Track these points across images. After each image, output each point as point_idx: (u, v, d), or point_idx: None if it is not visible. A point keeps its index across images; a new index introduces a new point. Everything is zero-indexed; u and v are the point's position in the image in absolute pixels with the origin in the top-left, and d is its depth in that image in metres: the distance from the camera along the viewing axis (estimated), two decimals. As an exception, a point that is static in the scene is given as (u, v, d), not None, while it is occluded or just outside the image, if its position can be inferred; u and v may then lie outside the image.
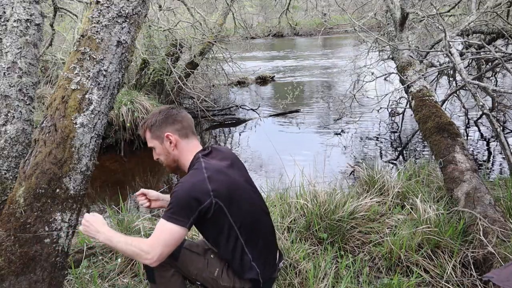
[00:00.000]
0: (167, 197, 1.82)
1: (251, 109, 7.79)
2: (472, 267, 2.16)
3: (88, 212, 1.84)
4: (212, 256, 1.62)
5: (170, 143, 1.59)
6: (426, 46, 5.31)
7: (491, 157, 4.91)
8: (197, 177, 1.46)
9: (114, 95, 1.80)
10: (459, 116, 6.29)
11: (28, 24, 1.86)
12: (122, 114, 5.71)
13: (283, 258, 1.78)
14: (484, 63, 5.41)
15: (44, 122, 1.66)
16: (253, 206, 1.59)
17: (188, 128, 1.63)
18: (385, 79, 7.00)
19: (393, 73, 5.34)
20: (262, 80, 11.18)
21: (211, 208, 1.44)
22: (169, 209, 1.43)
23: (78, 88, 1.67)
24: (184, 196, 1.42)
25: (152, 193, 1.85)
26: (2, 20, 1.82)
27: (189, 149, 1.61)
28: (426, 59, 4.96)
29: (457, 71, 3.50)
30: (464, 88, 4.25)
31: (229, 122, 7.30)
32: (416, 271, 2.15)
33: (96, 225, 1.53)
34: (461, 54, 4.77)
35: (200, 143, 1.72)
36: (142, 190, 1.84)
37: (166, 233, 1.42)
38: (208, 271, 1.59)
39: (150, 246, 1.42)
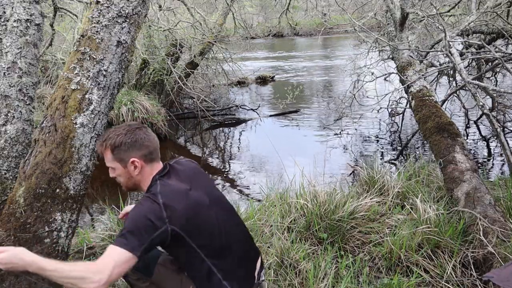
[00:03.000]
0: None
1: (251, 109, 7.79)
2: (472, 267, 2.16)
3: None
4: (186, 273, 1.57)
5: (135, 168, 1.50)
6: (426, 46, 5.31)
7: (491, 157, 4.91)
8: (150, 206, 1.39)
9: (114, 95, 1.80)
10: (459, 116, 6.29)
11: (28, 24, 1.86)
12: (122, 114, 5.71)
13: (264, 268, 1.70)
14: (484, 63, 5.40)
15: (44, 122, 1.67)
16: (219, 223, 1.51)
17: (154, 152, 1.54)
18: (385, 79, 7.00)
19: (393, 73, 5.34)
20: (262, 80, 11.18)
21: (167, 236, 1.38)
22: (121, 234, 1.37)
23: (78, 88, 1.67)
24: (137, 224, 1.37)
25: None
26: (2, 20, 1.82)
27: (151, 173, 1.53)
28: (426, 59, 4.96)
29: (457, 71, 3.50)
30: (464, 88, 4.25)
31: (229, 122, 7.30)
32: (416, 271, 2.15)
33: (15, 260, 1.28)
34: (461, 54, 4.77)
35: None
36: (126, 209, 1.80)
37: (116, 258, 1.34)
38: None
39: (98, 269, 1.31)
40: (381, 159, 5.05)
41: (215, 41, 6.98)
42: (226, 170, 5.25)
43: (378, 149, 5.47)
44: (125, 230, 1.37)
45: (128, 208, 1.81)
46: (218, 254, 1.48)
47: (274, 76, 11.47)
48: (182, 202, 1.43)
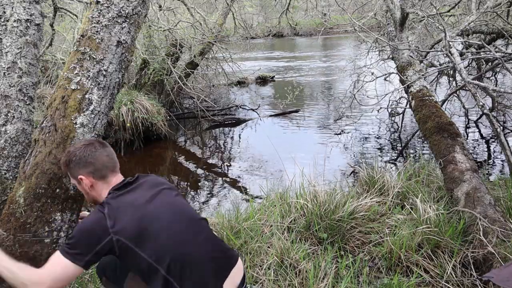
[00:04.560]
0: None
1: (251, 109, 7.79)
2: (472, 267, 2.16)
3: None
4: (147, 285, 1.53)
5: (85, 184, 1.53)
6: (426, 46, 5.31)
7: (491, 157, 4.91)
8: (96, 216, 1.42)
9: (114, 95, 1.80)
10: (459, 116, 6.29)
11: (28, 24, 1.86)
12: (122, 114, 5.71)
13: (245, 282, 1.64)
14: (484, 63, 5.40)
15: (44, 122, 1.67)
16: (175, 236, 1.47)
17: (103, 169, 1.54)
18: (385, 79, 7.01)
19: (393, 73, 5.34)
20: (262, 80, 11.18)
21: (114, 246, 1.38)
22: (67, 243, 1.39)
23: (78, 88, 1.67)
24: (81, 234, 1.39)
25: None
26: (2, 20, 1.82)
27: (107, 187, 1.55)
28: (426, 59, 4.96)
29: (457, 71, 3.50)
30: (464, 88, 4.25)
31: (229, 122, 7.30)
32: (416, 271, 2.15)
33: None
34: (461, 54, 4.77)
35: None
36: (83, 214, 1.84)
37: (59, 268, 1.36)
38: None
39: (40, 278, 1.34)
40: (381, 159, 5.05)
41: (215, 41, 6.98)
42: (226, 170, 5.25)
43: (378, 149, 5.47)
44: (71, 239, 1.39)
45: (84, 213, 1.85)
46: (175, 263, 1.43)
47: (274, 76, 11.47)
48: (130, 213, 1.42)
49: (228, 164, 5.45)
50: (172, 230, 1.47)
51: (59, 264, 1.36)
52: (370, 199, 2.80)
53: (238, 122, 7.30)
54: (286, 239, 2.37)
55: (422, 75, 3.98)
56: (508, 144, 2.81)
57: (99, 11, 1.73)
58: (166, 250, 1.43)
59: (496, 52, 3.43)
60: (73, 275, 1.38)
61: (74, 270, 1.37)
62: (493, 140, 5.37)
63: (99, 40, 1.71)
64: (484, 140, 5.46)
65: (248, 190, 4.45)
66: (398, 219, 2.58)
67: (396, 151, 5.28)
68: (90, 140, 1.60)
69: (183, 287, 1.43)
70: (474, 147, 5.22)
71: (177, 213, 1.53)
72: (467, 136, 5.66)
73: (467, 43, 4.74)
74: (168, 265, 1.41)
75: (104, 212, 1.41)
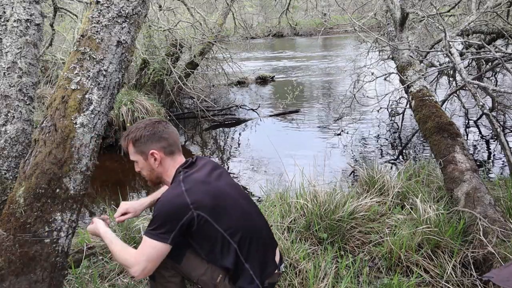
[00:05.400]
0: (146, 200, 1.86)
1: (251, 109, 7.79)
2: (472, 267, 2.16)
3: (91, 213, 1.86)
4: (209, 259, 1.59)
5: (155, 160, 1.59)
6: (426, 46, 5.31)
7: (491, 157, 4.91)
8: (175, 192, 1.48)
9: (114, 95, 1.80)
10: (459, 116, 6.29)
11: (28, 24, 1.86)
12: (122, 114, 5.71)
13: (283, 261, 1.77)
14: (484, 63, 5.40)
15: (44, 122, 1.66)
16: (243, 211, 1.57)
17: (174, 145, 1.63)
18: (385, 79, 7.00)
19: (393, 73, 5.34)
20: (262, 80, 11.18)
21: (194, 220, 1.44)
22: (150, 225, 1.46)
23: (78, 88, 1.67)
24: (163, 212, 1.45)
25: (134, 206, 1.85)
26: (2, 20, 1.82)
27: (174, 165, 1.61)
28: (426, 59, 4.96)
29: (457, 71, 3.50)
30: (464, 88, 4.25)
31: (229, 122, 7.30)
32: (416, 271, 2.15)
33: (96, 230, 1.67)
34: (461, 54, 4.77)
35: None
36: (122, 208, 1.83)
37: (149, 249, 1.45)
38: (210, 276, 1.57)
39: (135, 260, 1.46)
40: (381, 159, 5.05)
41: (215, 41, 6.98)
42: (226, 170, 5.24)
43: (378, 149, 5.47)
44: (154, 220, 1.46)
45: (124, 206, 1.83)
46: (244, 240, 1.52)
47: (274, 76, 11.47)
48: (205, 189, 1.50)
49: (228, 164, 5.45)
50: (242, 207, 1.57)
51: (148, 246, 1.45)
52: (370, 199, 2.80)
53: (238, 122, 7.30)
54: (286, 239, 2.37)
55: (422, 75, 3.98)
56: (508, 144, 2.81)
57: (99, 11, 1.73)
58: (239, 225, 1.51)
59: (496, 52, 3.43)
60: (163, 253, 1.46)
61: (163, 249, 1.45)
62: (493, 140, 5.37)
63: (99, 40, 1.71)
64: (484, 140, 5.46)
65: (248, 190, 4.45)
66: (398, 219, 2.58)
67: (396, 151, 5.28)
68: (156, 118, 1.67)
69: (248, 262, 1.52)
70: (474, 147, 5.22)
71: (239, 192, 1.63)
72: (467, 136, 5.66)
73: (467, 43, 4.74)
74: (239, 240, 1.50)
75: (182, 189, 1.46)
